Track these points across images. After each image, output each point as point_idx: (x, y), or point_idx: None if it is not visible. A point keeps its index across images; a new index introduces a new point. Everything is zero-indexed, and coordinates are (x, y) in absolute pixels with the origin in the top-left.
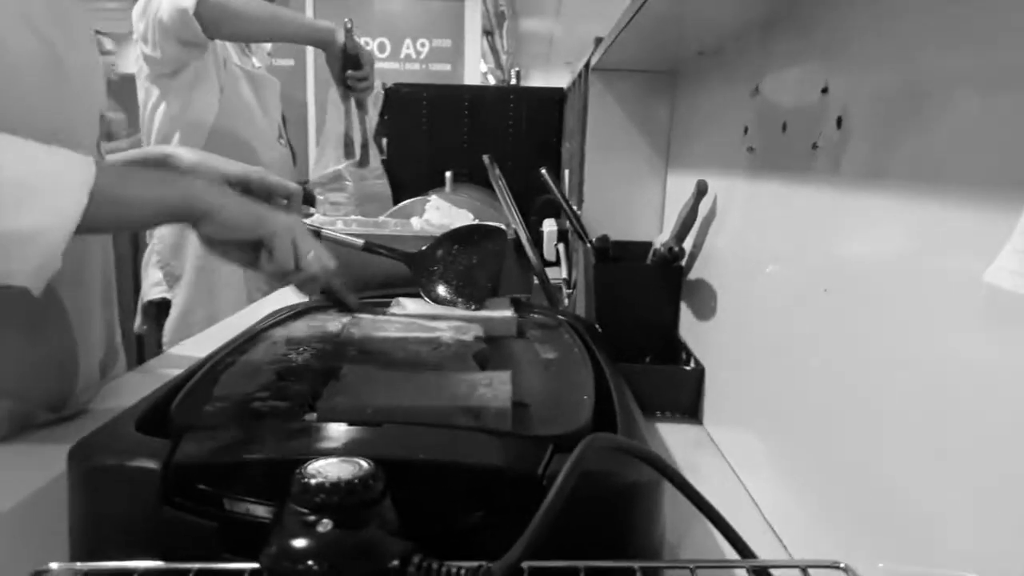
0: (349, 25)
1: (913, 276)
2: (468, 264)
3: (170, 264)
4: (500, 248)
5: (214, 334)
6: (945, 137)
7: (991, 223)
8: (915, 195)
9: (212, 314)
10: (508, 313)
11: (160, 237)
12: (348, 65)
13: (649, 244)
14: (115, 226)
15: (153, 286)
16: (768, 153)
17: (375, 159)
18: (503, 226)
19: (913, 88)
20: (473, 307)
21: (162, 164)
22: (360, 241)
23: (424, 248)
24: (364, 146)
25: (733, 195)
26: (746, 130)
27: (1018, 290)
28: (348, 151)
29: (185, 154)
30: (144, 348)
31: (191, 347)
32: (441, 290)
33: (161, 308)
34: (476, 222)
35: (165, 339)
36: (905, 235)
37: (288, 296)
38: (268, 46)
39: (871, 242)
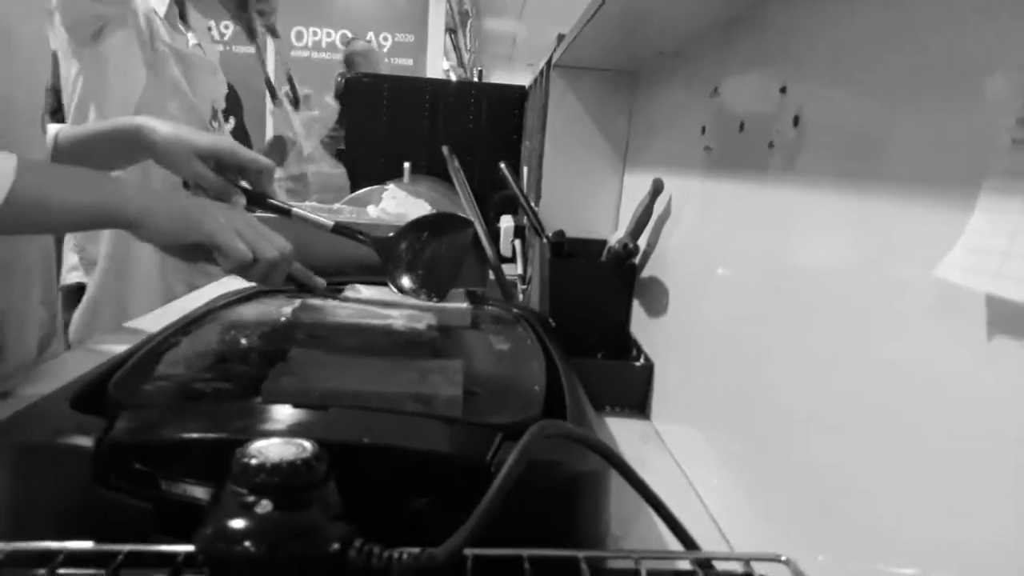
0: None
1: (864, 274)
2: (436, 254)
3: (86, 249)
4: (467, 241)
5: (152, 320)
6: (899, 136)
7: (943, 222)
8: (868, 193)
9: (123, 307)
10: (463, 305)
11: None
12: None
13: (604, 242)
14: (36, 229)
15: (70, 270)
16: (725, 152)
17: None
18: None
19: (868, 88)
20: (435, 299)
21: (134, 137)
22: (330, 222)
23: (393, 234)
24: (291, 83)
25: (689, 194)
26: (703, 130)
27: (968, 285)
28: (273, 94)
29: (159, 126)
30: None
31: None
32: (406, 280)
33: (78, 294)
34: (447, 212)
35: (71, 328)
36: (858, 233)
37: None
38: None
39: (824, 240)
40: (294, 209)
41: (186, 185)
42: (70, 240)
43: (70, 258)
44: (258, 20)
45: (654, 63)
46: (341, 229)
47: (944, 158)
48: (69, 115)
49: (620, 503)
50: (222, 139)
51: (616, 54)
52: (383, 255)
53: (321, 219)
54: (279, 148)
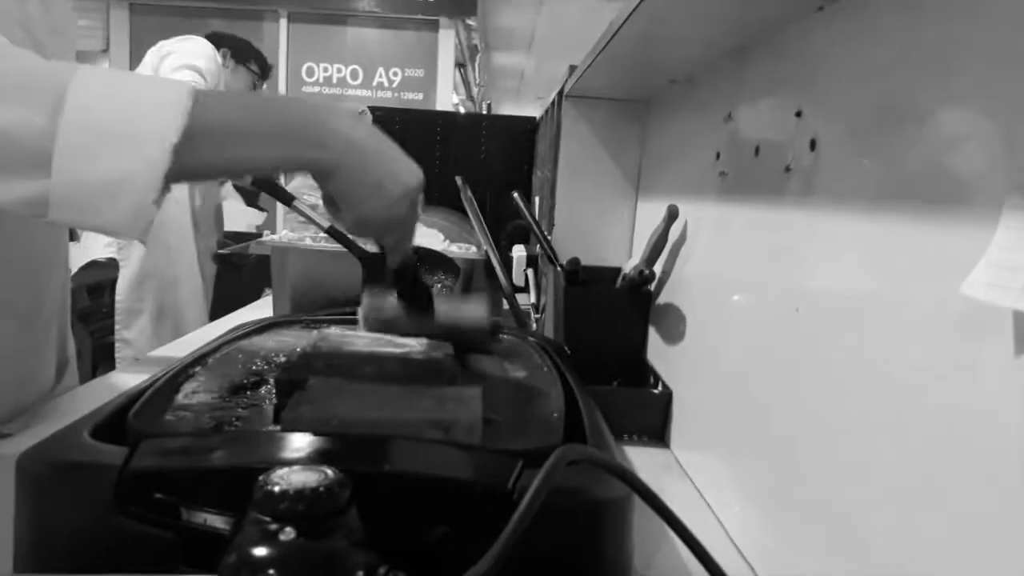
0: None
1: (885, 298)
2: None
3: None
4: (452, 284)
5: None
6: (917, 157)
7: (962, 243)
8: (888, 215)
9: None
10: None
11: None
12: None
13: (619, 269)
14: (216, 172)
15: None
16: (740, 177)
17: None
18: (472, 251)
19: (885, 110)
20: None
21: None
22: (326, 223)
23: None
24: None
25: (704, 219)
26: (718, 155)
27: (992, 301)
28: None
29: None
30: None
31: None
32: (387, 305)
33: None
34: (442, 253)
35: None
36: (878, 256)
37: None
38: None
39: (844, 264)
40: (295, 202)
41: None
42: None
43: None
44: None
45: (666, 91)
46: (335, 232)
47: (963, 177)
48: None
49: (643, 530)
50: None
51: (628, 83)
52: (367, 270)
53: (317, 217)
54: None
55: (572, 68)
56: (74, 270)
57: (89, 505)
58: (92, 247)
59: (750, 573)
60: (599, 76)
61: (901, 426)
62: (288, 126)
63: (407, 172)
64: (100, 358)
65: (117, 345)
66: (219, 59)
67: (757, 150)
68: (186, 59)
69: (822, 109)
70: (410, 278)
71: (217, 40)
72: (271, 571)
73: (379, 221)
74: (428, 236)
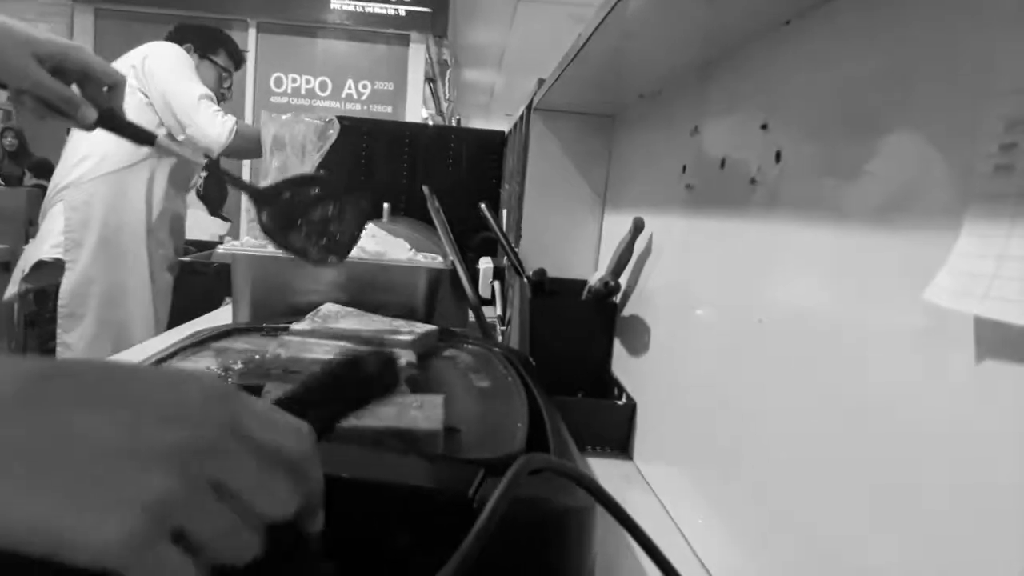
0: None
1: (848, 308)
2: (326, 215)
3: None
4: (366, 207)
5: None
6: (881, 167)
7: (925, 252)
8: (852, 226)
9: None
10: (428, 327)
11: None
12: None
13: (584, 282)
14: None
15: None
16: (706, 190)
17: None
18: (439, 262)
19: (849, 121)
20: (332, 260)
21: None
22: (202, 160)
23: (273, 184)
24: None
25: (670, 232)
26: (684, 168)
27: (957, 308)
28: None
29: None
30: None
31: None
32: (293, 237)
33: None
34: (337, 178)
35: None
36: (841, 267)
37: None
38: None
39: (807, 275)
40: (159, 138)
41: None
42: (60, 220)
43: (55, 235)
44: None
45: (633, 105)
46: (214, 168)
47: (925, 188)
48: None
49: (605, 542)
50: (65, 40)
51: (595, 97)
52: (261, 207)
53: (188, 153)
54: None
55: (541, 81)
56: (26, 271)
57: None
58: (41, 247)
59: None
60: (567, 89)
61: (867, 437)
62: None
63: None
64: None
65: (59, 350)
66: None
67: (723, 163)
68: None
69: (787, 122)
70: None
71: (180, 36)
72: None
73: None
74: (393, 244)
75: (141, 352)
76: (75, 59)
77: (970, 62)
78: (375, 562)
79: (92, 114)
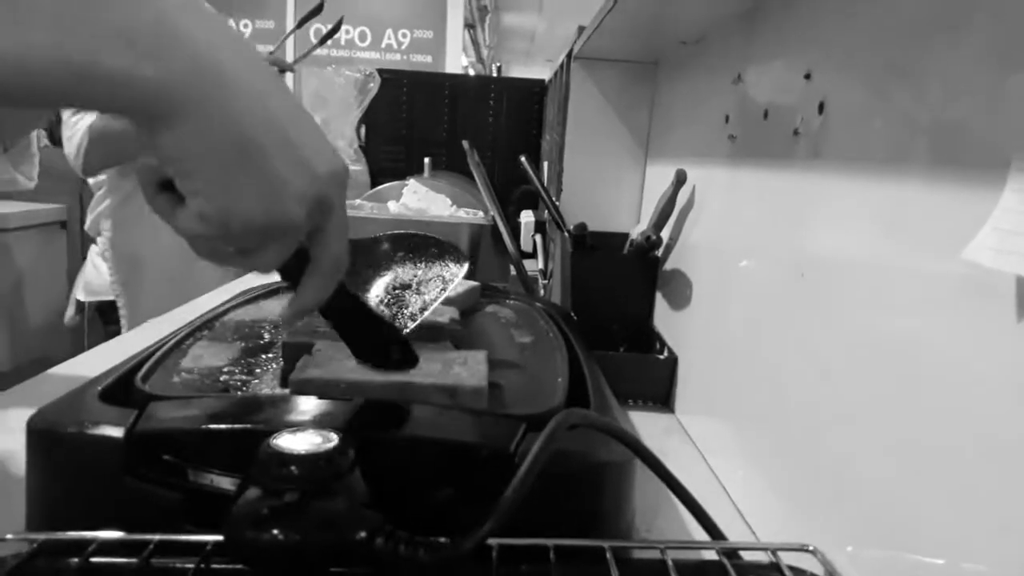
0: None
1: (891, 262)
2: (410, 279)
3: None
4: (453, 274)
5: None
6: (926, 120)
7: (970, 205)
8: (895, 179)
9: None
10: (470, 284)
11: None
12: None
13: (626, 235)
14: None
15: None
16: (749, 141)
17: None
18: (480, 217)
19: (894, 73)
20: (401, 326)
21: None
22: None
23: (370, 239)
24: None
25: (712, 184)
26: (727, 118)
27: (997, 267)
28: None
29: None
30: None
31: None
32: (375, 289)
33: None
34: (435, 237)
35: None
36: (884, 220)
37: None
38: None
39: (850, 228)
40: None
41: None
42: (104, 267)
43: (102, 279)
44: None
45: (675, 52)
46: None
47: (973, 140)
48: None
49: (644, 495)
50: None
51: (637, 44)
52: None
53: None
54: None
55: (581, 29)
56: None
57: (98, 466)
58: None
59: (751, 536)
60: (607, 37)
61: (906, 391)
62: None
63: (317, 149)
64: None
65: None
66: None
67: (766, 113)
68: None
69: (831, 71)
70: (357, 318)
71: None
72: (275, 531)
73: (258, 227)
74: (435, 200)
75: (200, 307)
76: None
77: (1022, 9)
78: (420, 515)
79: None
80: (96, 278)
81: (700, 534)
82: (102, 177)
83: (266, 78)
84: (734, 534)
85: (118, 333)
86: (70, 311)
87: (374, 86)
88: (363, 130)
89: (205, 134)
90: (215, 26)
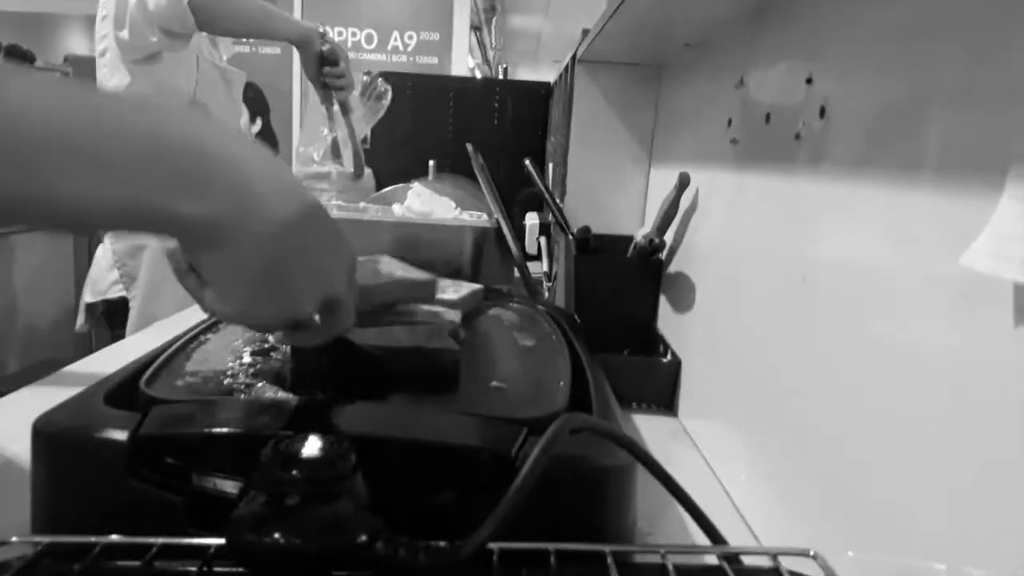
0: (321, 29)
1: (893, 266)
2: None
3: (126, 264)
4: None
5: (181, 319)
6: (926, 126)
7: (971, 211)
8: (895, 184)
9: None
10: (473, 287)
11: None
12: (324, 63)
13: (630, 238)
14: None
15: (111, 286)
16: (751, 144)
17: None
18: (484, 219)
19: (894, 77)
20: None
21: None
22: None
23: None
24: (356, 155)
25: (715, 187)
26: (730, 122)
27: (993, 272)
28: (337, 157)
29: None
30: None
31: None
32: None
33: (123, 310)
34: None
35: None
36: (885, 225)
37: None
38: (230, 40)
39: (852, 233)
40: None
41: None
42: (109, 256)
43: (111, 274)
44: (330, 92)
45: (679, 56)
46: None
47: (972, 146)
48: None
49: (646, 499)
50: None
51: (641, 47)
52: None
53: None
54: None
55: (585, 32)
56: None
57: (102, 469)
58: (99, 287)
59: (754, 541)
60: (612, 40)
61: (910, 397)
62: (147, 147)
63: (333, 249)
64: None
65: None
66: None
67: (768, 117)
68: None
69: (832, 76)
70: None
71: None
72: (276, 535)
73: (273, 323)
74: (439, 203)
75: (199, 312)
76: None
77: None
78: (421, 519)
79: None
80: (103, 275)
81: (702, 538)
82: None
83: (291, 194)
84: (736, 538)
85: (124, 337)
86: (80, 319)
87: (386, 101)
88: (368, 134)
89: (238, 261)
90: (247, 150)
